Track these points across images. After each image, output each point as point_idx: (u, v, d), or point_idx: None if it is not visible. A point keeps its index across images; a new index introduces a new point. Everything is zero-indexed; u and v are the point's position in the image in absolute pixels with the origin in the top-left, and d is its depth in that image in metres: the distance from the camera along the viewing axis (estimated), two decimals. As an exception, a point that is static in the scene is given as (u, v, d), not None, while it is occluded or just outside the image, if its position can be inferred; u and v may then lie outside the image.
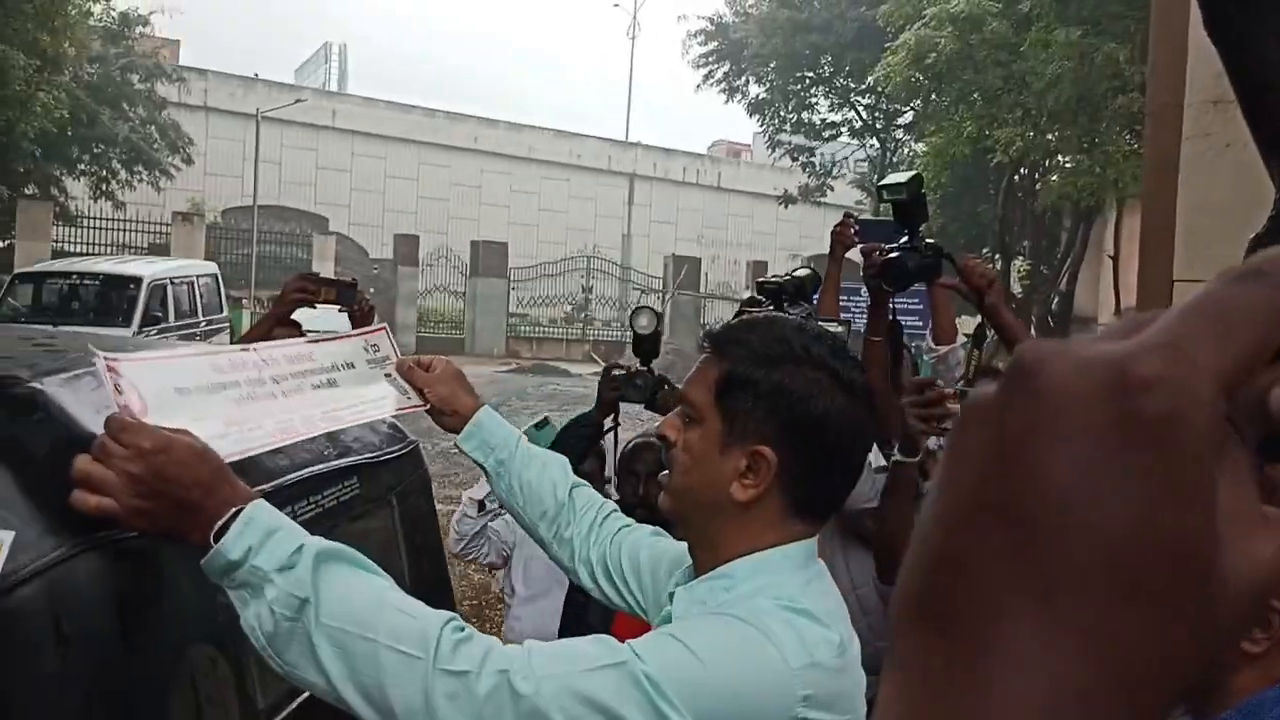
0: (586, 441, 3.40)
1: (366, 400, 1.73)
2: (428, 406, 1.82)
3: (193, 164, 27.91)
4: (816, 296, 3.27)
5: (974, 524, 0.34)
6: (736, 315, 2.92)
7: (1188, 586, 0.33)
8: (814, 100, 26.63)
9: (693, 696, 1.19)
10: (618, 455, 3.51)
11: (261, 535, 1.21)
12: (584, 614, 3.29)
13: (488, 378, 22.13)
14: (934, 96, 17.92)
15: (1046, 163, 18.93)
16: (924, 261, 2.73)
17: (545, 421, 3.59)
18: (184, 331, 15.10)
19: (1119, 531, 0.32)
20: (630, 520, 1.81)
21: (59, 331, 2.00)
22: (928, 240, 2.75)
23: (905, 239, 2.77)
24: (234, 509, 1.22)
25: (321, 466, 1.68)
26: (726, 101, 26.67)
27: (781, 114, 26.53)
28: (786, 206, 28.64)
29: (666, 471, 1.50)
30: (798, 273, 3.17)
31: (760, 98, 26.70)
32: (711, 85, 27.23)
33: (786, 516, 1.39)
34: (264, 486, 1.50)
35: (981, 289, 2.73)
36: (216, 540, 1.20)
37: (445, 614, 1.23)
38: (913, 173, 2.83)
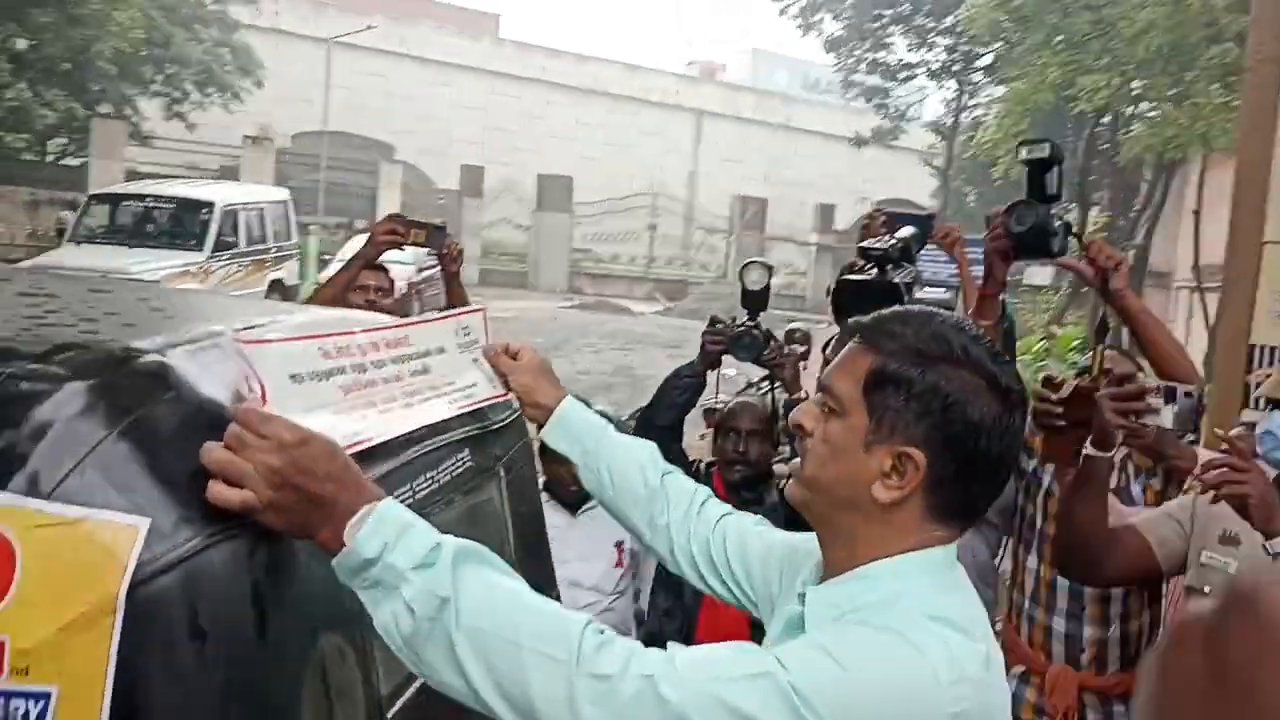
0: (690, 391, 3.38)
1: (457, 388, 1.70)
2: (510, 395, 1.78)
3: (263, 87, 28.04)
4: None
5: None
6: (837, 286, 2.82)
7: None
8: (890, 40, 26.04)
9: (840, 711, 1.15)
10: (718, 414, 3.48)
11: (396, 532, 1.18)
12: (679, 603, 3.28)
13: (550, 313, 22.17)
14: (1019, 39, 17.36)
15: (1129, 111, 18.38)
16: (1054, 234, 2.58)
17: None
18: (255, 257, 15.25)
19: None
20: (729, 507, 1.76)
21: (163, 290, 1.96)
22: (1058, 217, 2.60)
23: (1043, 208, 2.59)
24: (365, 505, 1.19)
25: (438, 439, 1.64)
26: (803, 36, 26.18)
27: (857, 53, 25.98)
28: (859, 148, 28.16)
29: (797, 460, 1.44)
30: (901, 234, 3.04)
31: (836, 35, 26.16)
32: (787, 19, 26.73)
33: (927, 520, 1.33)
34: (388, 464, 1.46)
35: (1106, 270, 2.58)
36: (348, 538, 1.17)
37: (584, 616, 1.21)
38: (1050, 140, 2.68)
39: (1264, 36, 8.32)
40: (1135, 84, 16.38)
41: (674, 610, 3.29)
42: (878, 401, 1.32)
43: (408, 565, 1.17)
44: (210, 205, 14.50)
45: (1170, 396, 2.35)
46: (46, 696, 1.06)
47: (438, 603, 1.16)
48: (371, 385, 1.51)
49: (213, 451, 1.16)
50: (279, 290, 15.80)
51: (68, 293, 1.61)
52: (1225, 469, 2.22)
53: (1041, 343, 17.20)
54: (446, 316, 1.81)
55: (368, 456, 1.40)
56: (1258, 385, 6.27)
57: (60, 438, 1.11)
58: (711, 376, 3.55)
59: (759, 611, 1.67)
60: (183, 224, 14.57)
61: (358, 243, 19.38)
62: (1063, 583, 2.97)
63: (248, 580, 1.15)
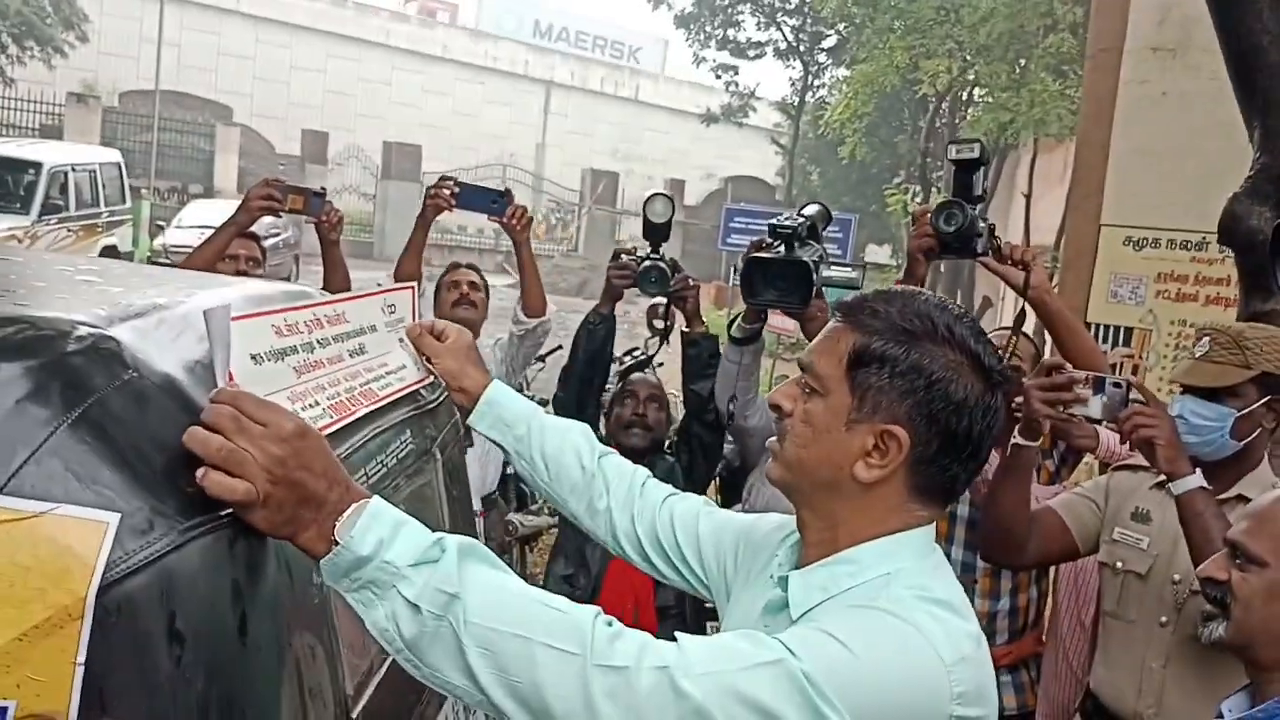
0: (604, 335, 3.38)
1: (390, 370, 1.64)
2: (432, 379, 1.72)
3: (88, 42, 26.53)
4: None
5: None
6: (747, 264, 2.80)
7: None
8: (740, 18, 26.30)
9: (851, 695, 1.13)
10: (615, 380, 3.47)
11: (390, 529, 1.12)
12: (583, 569, 3.24)
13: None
14: (868, 23, 17.75)
15: (963, 96, 19.04)
16: (978, 235, 2.62)
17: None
18: (85, 222, 14.42)
19: None
20: (671, 488, 1.73)
21: (85, 258, 1.80)
22: (982, 218, 2.63)
23: (975, 207, 2.62)
24: (355, 503, 1.13)
25: (383, 422, 1.55)
26: (654, 9, 26.15)
27: (708, 29, 26.17)
28: (708, 125, 28.39)
29: (774, 439, 1.41)
30: (806, 211, 3.04)
31: (687, 11, 26.28)
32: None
33: (908, 500, 1.32)
34: (340, 448, 1.37)
35: (1027, 264, 2.62)
36: (339, 535, 1.10)
37: (592, 608, 1.16)
38: (980, 141, 2.71)
39: (1105, 26, 8.71)
40: (975, 70, 16.97)
41: (575, 577, 3.25)
42: (860, 380, 1.30)
43: (406, 562, 1.10)
44: (37, 166, 13.60)
45: (1099, 387, 2.41)
46: (3, 711, 0.95)
47: (445, 599, 1.10)
48: (319, 366, 1.42)
49: (211, 439, 1.06)
50: (112, 257, 14.99)
51: (-26, 260, 1.45)
52: (1137, 414, 2.32)
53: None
54: (375, 292, 1.72)
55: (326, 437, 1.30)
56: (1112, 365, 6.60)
57: (10, 424, 0.99)
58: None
59: (710, 594, 1.65)
60: (7, 185, 13.60)
61: (195, 208, 18.53)
62: (955, 557, 3.05)
63: (228, 578, 1.05)
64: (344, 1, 38.67)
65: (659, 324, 3.49)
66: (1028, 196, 17.52)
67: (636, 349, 7.11)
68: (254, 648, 1.08)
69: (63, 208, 13.87)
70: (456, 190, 3.74)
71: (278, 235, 17.73)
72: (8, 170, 13.71)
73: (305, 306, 1.44)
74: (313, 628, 1.22)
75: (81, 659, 0.95)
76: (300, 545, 1.11)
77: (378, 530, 1.11)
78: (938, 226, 2.60)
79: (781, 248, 2.82)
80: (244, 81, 35.18)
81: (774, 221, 2.87)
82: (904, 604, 1.23)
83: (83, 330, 1.10)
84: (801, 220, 2.88)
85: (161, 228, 18.24)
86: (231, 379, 1.15)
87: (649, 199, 3.30)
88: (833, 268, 2.88)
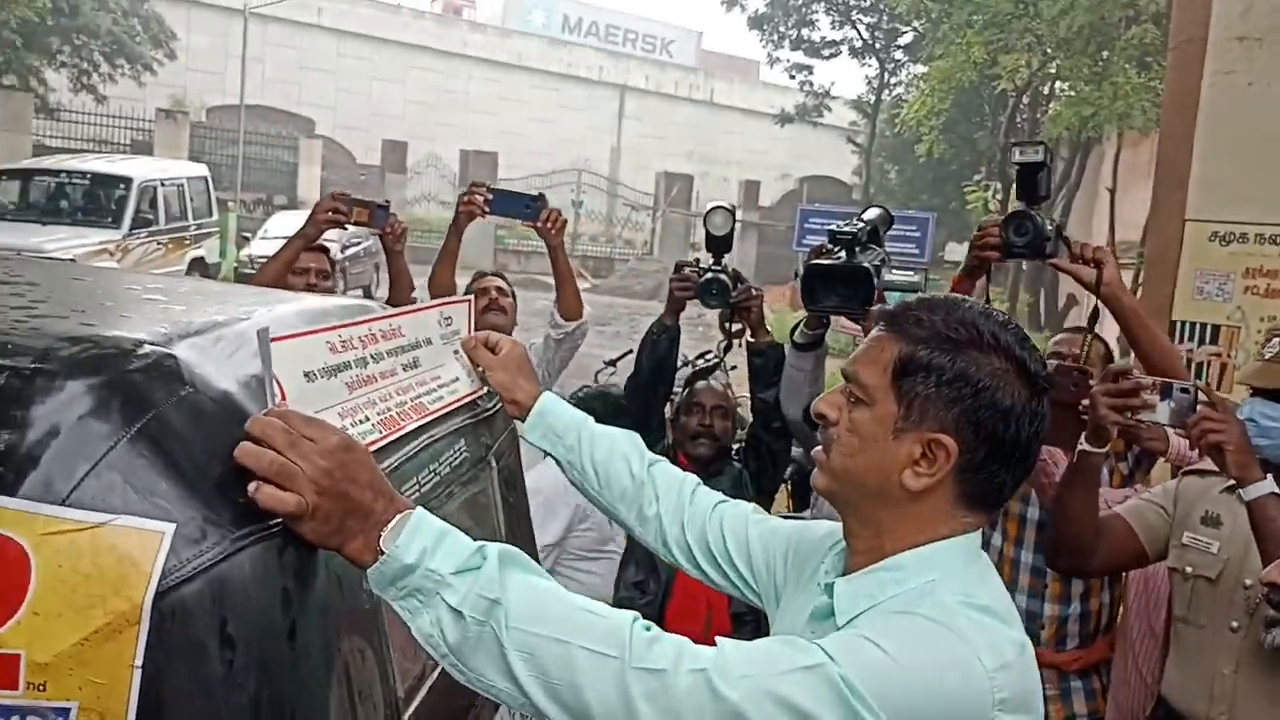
0: (667, 345, 3.41)
1: (443, 383, 1.68)
2: (486, 390, 1.75)
3: (175, 59, 27.30)
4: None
5: None
6: (807, 271, 2.81)
7: None
8: (814, 17, 26.17)
9: (890, 700, 1.14)
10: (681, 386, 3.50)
11: (434, 538, 1.16)
12: (653, 575, 3.28)
13: (477, 290, 21.91)
14: (945, 19, 17.55)
15: (1046, 90, 18.72)
16: (1047, 239, 2.61)
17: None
18: (174, 235, 14.86)
19: None
20: (721, 495, 1.74)
21: (150, 276, 1.88)
22: (1050, 220, 2.62)
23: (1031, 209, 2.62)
24: (399, 514, 1.17)
25: (437, 431, 1.59)
26: (727, 11, 26.14)
27: (782, 29, 26.07)
28: (783, 126, 28.27)
29: (819, 449, 1.42)
30: (867, 215, 3.03)
31: (760, 12, 26.22)
32: (710, -3, 26.74)
33: (955, 507, 1.33)
34: (393, 458, 1.41)
35: (1099, 261, 2.58)
36: (385, 545, 1.15)
37: (630, 612, 1.18)
38: (1044, 143, 2.70)
39: (1188, 16, 8.48)
40: (1055, 63, 16.68)
41: (646, 583, 3.28)
42: (906, 389, 1.31)
43: (449, 570, 1.14)
44: (128, 181, 14.07)
45: (1165, 392, 2.38)
46: (66, 712, 1.00)
47: (486, 605, 1.14)
48: (371, 381, 1.46)
49: (264, 454, 1.11)
50: (199, 268, 15.43)
51: (49, 280, 1.52)
52: (1205, 419, 2.28)
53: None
54: (432, 306, 1.76)
55: (375, 451, 1.35)
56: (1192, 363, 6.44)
57: (73, 439, 1.04)
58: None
59: (760, 601, 1.66)
60: (99, 201, 14.12)
61: (280, 220, 19.00)
62: (1025, 560, 3.02)
63: (278, 585, 1.10)
64: (423, 14, 39.33)
65: (729, 326, 3.49)
66: (1112, 191, 17.16)
67: (709, 351, 7.10)
68: (303, 652, 1.12)
69: (152, 221, 14.32)
70: (489, 196, 3.72)
71: (358, 244, 18.10)
72: (100, 186, 14.21)
73: (362, 322, 1.48)
74: (363, 632, 1.26)
75: (139, 662, 1.00)
76: (347, 555, 1.16)
77: (421, 539, 1.15)
78: (1009, 240, 2.60)
79: (842, 254, 2.82)
80: (326, 94, 35.92)
81: (833, 227, 2.87)
82: (946, 610, 1.23)
83: (144, 349, 1.16)
84: (861, 225, 2.88)
85: (247, 239, 18.72)
86: (284, 397, 1.20)
87: (708, 212, 3.32)
88: (894, 271, 2.87)
